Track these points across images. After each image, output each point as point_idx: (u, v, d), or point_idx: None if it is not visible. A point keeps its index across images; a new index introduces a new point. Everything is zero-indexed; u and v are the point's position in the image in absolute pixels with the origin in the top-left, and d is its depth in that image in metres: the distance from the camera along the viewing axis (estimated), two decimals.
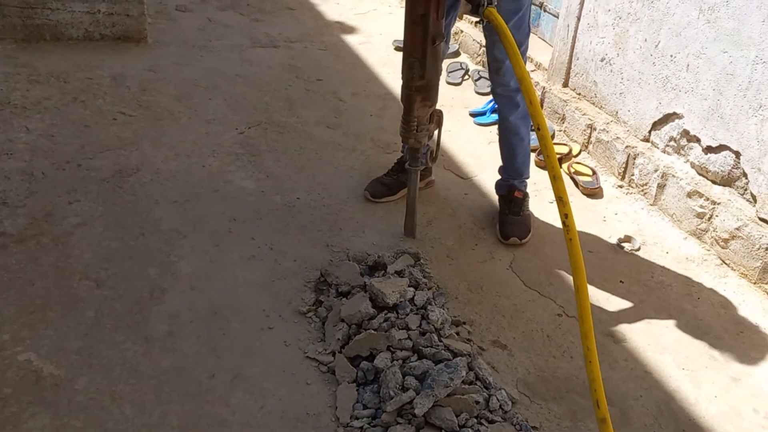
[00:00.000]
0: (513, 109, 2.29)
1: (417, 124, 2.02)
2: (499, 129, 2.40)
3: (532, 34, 3.84)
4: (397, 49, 3.95)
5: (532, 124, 2.74)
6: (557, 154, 2.95)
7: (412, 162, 2.14)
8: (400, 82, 2.53)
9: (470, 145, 3.01)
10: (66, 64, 3.21)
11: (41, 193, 2.29)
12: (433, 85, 1.99)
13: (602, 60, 2.94)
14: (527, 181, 2.46)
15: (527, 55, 2.31)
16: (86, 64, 3.25)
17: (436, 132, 2.17)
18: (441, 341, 1.79)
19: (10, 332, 1.74)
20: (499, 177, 2.48)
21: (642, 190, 2.73)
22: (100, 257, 2.04)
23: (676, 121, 2.58)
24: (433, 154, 2.21)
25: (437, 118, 2.11)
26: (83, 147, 2.58)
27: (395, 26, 4.27)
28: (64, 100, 2.89)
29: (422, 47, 1.86)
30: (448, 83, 3.63)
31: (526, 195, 2.42)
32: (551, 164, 1.40)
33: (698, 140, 2.48)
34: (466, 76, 3.72)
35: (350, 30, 4.28)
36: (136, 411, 1.57)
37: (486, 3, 1.65)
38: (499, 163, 2.50)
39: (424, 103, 2.00)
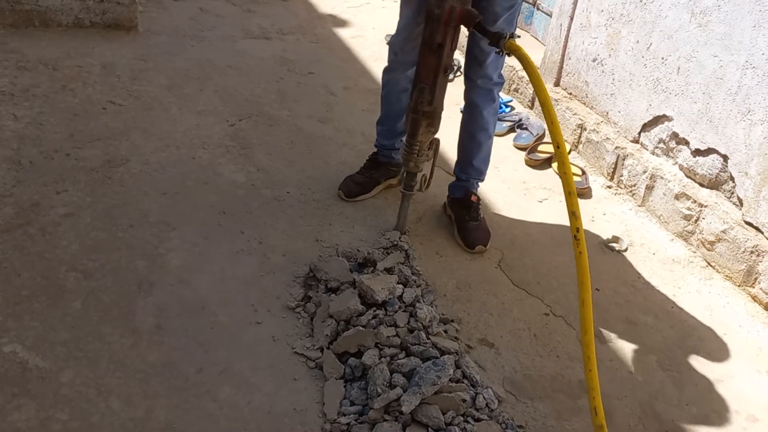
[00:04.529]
0: (489, 103, 2.29)
1: (419, 148, 2.06)
2: (468, 124, 2.36)
3: (524, 32, 3.85)
4: (389, 44, 3.93)
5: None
6: (546, 153, 2.96)
7: (407, 186, 2.16)
8: None
9: None
10: (55, 52, 3.17)
11: (28, 182, 2.27)
12: (438, 113, 2.03)
13: (594, 60, 2.95)
14: (481, 184, 2.46)
15: None
16: (76, 51, 3.22)
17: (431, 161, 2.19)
18: (429, 339, 1.79)
19: None
20: (453, 179, 2.46)
21: (630, 191, 2.75)
22: (88, 248, 2.03)
23: (666, 123, 2.60)
24: (426, 181, 2.22)
25: (435, 147, 2.14)
26: (72, 136, 2.56)
27: (388, 20, 4.25)
28: (53, 88, 2.86)
29: (434, 75, 1.93)
30: None
31: (479, 199, 2.41)
32: (566, 182, 1.47)
33: (687, 143, 2.50)
34: (459, 73, 3.71)
35: (343, 23, 4.27)
36: (123, 404, 1.57)
37: (508, 36, 1.68)
38: None
39: (428, 129, 2.03)
